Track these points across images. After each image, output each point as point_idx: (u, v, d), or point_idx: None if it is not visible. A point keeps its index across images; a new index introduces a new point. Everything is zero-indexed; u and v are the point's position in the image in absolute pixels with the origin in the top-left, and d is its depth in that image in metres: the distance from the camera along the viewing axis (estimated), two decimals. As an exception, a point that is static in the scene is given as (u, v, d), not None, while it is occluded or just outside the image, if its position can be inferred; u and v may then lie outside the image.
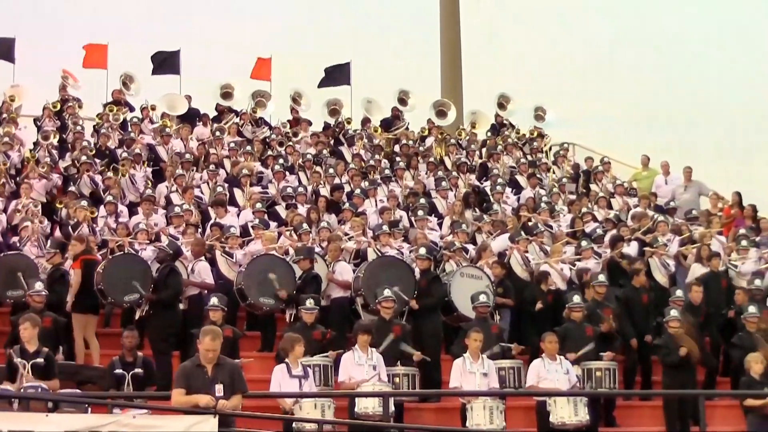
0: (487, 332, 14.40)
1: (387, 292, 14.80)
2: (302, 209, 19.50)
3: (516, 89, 28.30)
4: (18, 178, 20.42)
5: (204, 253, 16.70)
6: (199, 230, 18.23)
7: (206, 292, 15.86)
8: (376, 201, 20.47)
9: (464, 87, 30.49)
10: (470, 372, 13.66)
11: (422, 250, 16.42)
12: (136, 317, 15.42)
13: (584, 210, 20.66)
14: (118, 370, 13.49)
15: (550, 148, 26.38)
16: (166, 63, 27.46)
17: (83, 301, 15.38)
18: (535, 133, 26.66)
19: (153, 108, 24.93)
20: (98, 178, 20.47)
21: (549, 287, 16.91)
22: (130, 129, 23.33)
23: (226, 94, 25.89)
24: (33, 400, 11.60)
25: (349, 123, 26.00)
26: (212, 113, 25.57)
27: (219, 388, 10.40)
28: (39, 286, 14.70)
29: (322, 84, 27.95)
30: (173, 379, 10.82)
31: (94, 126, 23.87)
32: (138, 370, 13.50)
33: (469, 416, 13.10)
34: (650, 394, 15.96)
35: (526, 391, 14.04)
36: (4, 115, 23.14)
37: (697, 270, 18.16)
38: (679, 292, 16.36)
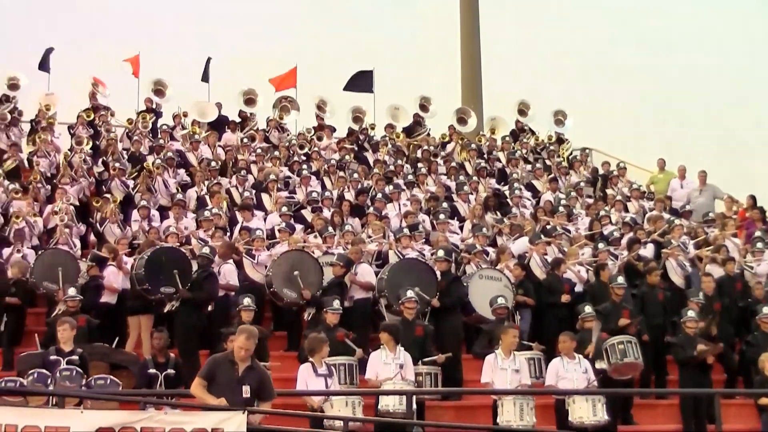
0: (507, 333, 14.35)
1: (409, 293, 14.81)
2: (327, 213, 19.50)
3: (535, 95, 28.23)
4: (54, 181, 20.59)
5: (231, 255, 16.74)
6: (227, 233, 18.29)
7: (232, 293, 15.91)
8: (399, 205, 20.44)
9: (484, 93, 30.50)
10: (501, 368, 13.57)
11: (441, 252, 16.43)
12: (165, 310, 15.47)
13: (602, 213, 20.59)
14: (151, 370, 13.52)
15: (571, 153, 26.29)
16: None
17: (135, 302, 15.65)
18: (553, 138, 26.59)
19: (185, 114, 25.02)
20: (130, 182, 20.61)
21: (563, 273, 16.93)
22: (159, 136, 23.43)
23: (249, 100, 25.94)
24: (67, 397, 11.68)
25: (372, 129, 26.03)
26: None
27: (246, 390, 10.29)
28: (72, 291, 14.83)
29: (348, 87, 27.98)
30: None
31: (126, 132, 23.97)
32: (170, 371, 13.53)
33: (500, 412, 13.03)
34: (667, 392, 15.87)
35: (546, 390, 13.96)
36: (43, 123, 23.33)
37: (712, 271, 18.07)
38: (701, 294, 16.27)
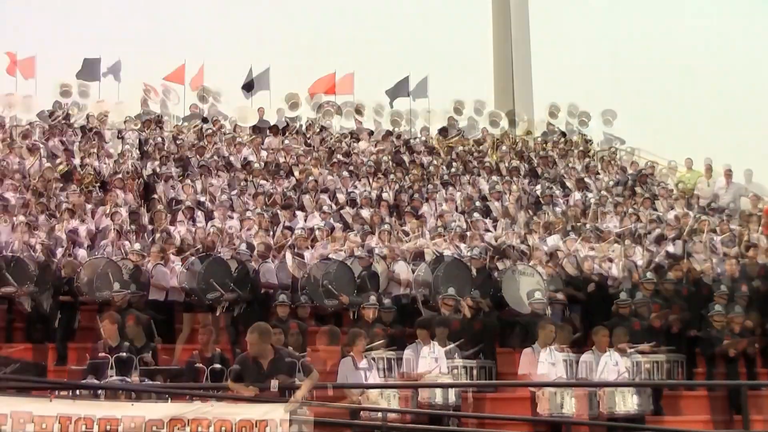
0: (543, 326, 14.29)
1: (450, 290, 14.78)
2: (366, 212, 19.48)
3: (565, 96, 28.14)
4: (107, 182, 20.71)
5: (269, 255, 16.77)
6: (270, 232, 18.31)
7: (271, 291, 15.95)
8: (435, 204, 20.41)
9: (516, 97, 30.45)
10: (539, 362, 13.57)
11: (475, 251, 16.47)
12: (217, 314, 15.55)
13: (630, 211, 20.46)
14: (198, 365, 13.55)
15: (595, 153, 26.20)
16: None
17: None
18: (582, 139, 26.50)
19: (225, 119, 25.16)
20: (177, 185, 20.66)
21: (589, 269, 16.89)
22: (204, 140, 23.52)
23: (293, 105, 26.09)
24: (118, 392, 11.71)
25: (408, 136, 26.11)
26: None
27: (274, 384, 10.23)
28: (117, 286, 14.84)
29: (391, 96, 28.12)
30: None
31: (173, 137, 24.10)
32: (216, 365, 13.54)
33: (539, 402, 12.99)
34: (695, 384, 15.71)
35: (578, 382, 13.89)
36: (94, 129, 23.48)
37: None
38: (722, 287, 16.10)
